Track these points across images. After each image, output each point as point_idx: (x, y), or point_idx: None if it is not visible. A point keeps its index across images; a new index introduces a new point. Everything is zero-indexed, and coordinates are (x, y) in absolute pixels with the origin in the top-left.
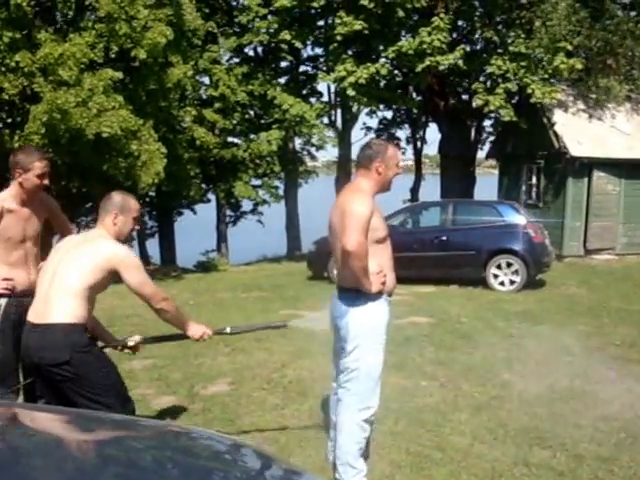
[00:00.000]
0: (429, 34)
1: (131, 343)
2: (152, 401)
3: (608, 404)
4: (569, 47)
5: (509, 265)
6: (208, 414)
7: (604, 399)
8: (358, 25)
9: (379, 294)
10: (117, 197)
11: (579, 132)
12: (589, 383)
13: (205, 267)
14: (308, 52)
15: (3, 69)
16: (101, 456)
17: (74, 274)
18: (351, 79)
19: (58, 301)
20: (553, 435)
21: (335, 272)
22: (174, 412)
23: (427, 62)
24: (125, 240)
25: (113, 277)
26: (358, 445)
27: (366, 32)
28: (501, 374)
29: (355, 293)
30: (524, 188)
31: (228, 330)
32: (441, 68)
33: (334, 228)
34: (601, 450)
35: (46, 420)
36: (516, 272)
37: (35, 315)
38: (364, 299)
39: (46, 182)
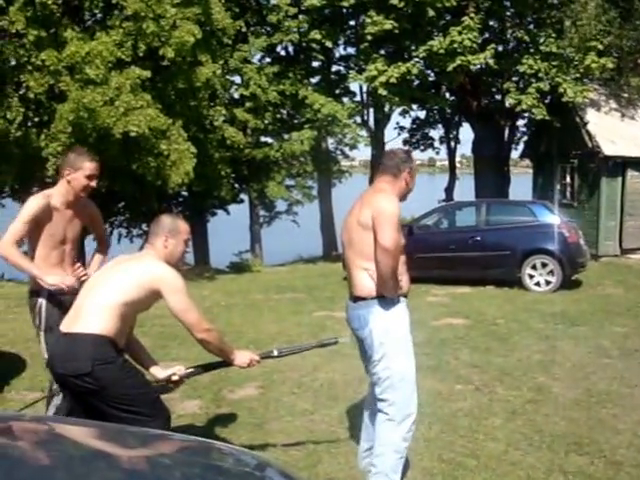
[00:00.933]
0: (459, 33)
1: (175, 378)
2: (177, 405)
3: None
4: (600, 46)
5: (544, 265)
6: (234, 419)
7: None
8: (389, 24)
9: (395, 299)
10: (167, 220)
11: (612, 131)
12: (627, 386)
13: (238, 268)
14: (340, 52)
15: (29, 67)
16: (128, 472)
17: (112, 288)
18: (382, 78)
19: (89, 312)
20: (590, 441)
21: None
22: (199, 417)
23: (458, 61)
24: (176, 263)
25: (155, 298)
26: (399, 455)
27: (397, 31)
28: (537, 377)
29: (372, 300)
30: (558, 187)
31: (275, 353)
32: (472, 68)
33: (350, 232)
34: None
35: (72, 434)
36: (551, 272)
37: (65, 324)
38: (382, 305)
39: (94, 184)
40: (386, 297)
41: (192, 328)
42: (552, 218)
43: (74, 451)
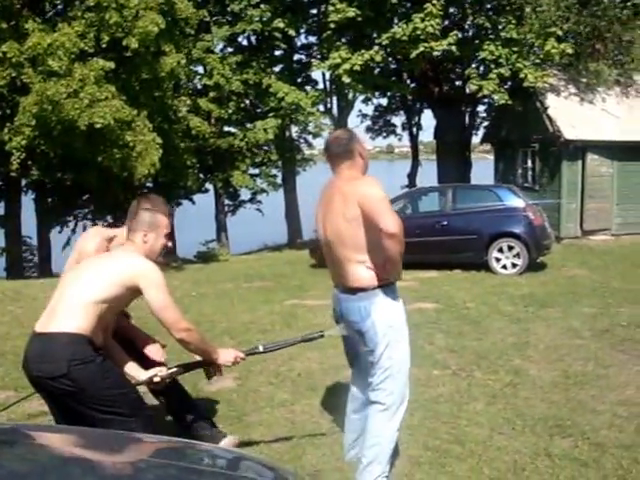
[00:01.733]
0: (422, 20)
1: (157, 379)
2: (154, 399)
3: (623, 388)
4: (559, 32)
5: (510, 248)
6: (214, 412)
7: (619, 383)
8: (352, 12)
9: (393, 286)
10: (145, 214)
11: (572, 116)
12: (602, 367)
13: (205, 257)
14: (301, 40)
15: None
16: (103, 477)
17: (89, 285)
18: (346, 66)
19: (65, 311)
20: (572, 423)
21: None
22: None
23: (421, 48)
24: (157, 258)
25: (133, 294)
26: (391, 445)
27: (359, 19)
28: (513, 360)
29: (373, 291)
30: (520, 172)
31: (261, 349)
32: (435, 54)
33: (337, 228)
34: (622, 437)
35: (45, 439)
36: (517, 255)
37: (40, 325)
38: (383, 295)
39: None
40: (385, 286)
41: (171, 327)
42: (517, 202)
43: (48, 457)
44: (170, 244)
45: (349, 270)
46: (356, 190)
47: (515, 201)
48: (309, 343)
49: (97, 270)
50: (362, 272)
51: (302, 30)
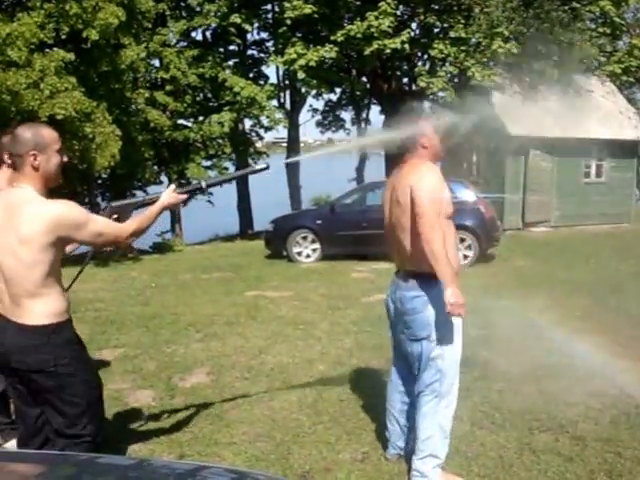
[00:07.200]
0: (376, 18)
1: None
2: (129, 397)
3: (591, 379)
4: (506, 32)
5: (462, 240)
6: (192, 410)
7: (585, 374)
8: (308, 9)
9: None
10: (26, 133)
11: (515, 113)
12: (566, 357)
13: (161, 248)
14: (254, 36)
15: None
16: None
17: (25, 269)
18: (301, 62)
19: (25, 298)
20: (548, 416)
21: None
22: (155, 409)
23: (375, 45)
24: (56, 180)
25: (66, 242)
26: (445, 434)
27: (315, 16)
28: (479, 352)
29: (427, 281)
30: (465, 166)
31: (203, 184)
32: (387, 52)
33: (393, 210)
34: (600, 430)
35: None
36: (469, 247)
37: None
38: (437, 287)
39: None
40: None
41: (118, 243)
42: (469, 195)
43: None
44: (67, 158)
45: (406, 255)
46: (407, 178)
47: (467, 194)
48: (278, 337)
49: (18, 241)
50: (418, 258)
51: (255, 25)
